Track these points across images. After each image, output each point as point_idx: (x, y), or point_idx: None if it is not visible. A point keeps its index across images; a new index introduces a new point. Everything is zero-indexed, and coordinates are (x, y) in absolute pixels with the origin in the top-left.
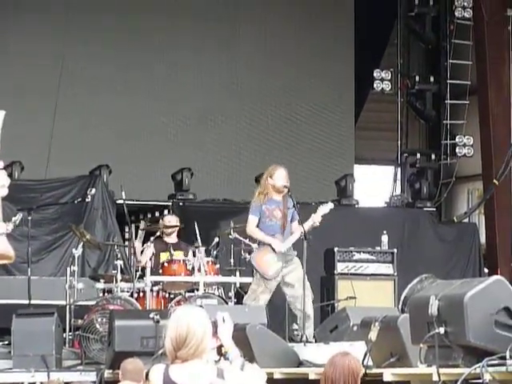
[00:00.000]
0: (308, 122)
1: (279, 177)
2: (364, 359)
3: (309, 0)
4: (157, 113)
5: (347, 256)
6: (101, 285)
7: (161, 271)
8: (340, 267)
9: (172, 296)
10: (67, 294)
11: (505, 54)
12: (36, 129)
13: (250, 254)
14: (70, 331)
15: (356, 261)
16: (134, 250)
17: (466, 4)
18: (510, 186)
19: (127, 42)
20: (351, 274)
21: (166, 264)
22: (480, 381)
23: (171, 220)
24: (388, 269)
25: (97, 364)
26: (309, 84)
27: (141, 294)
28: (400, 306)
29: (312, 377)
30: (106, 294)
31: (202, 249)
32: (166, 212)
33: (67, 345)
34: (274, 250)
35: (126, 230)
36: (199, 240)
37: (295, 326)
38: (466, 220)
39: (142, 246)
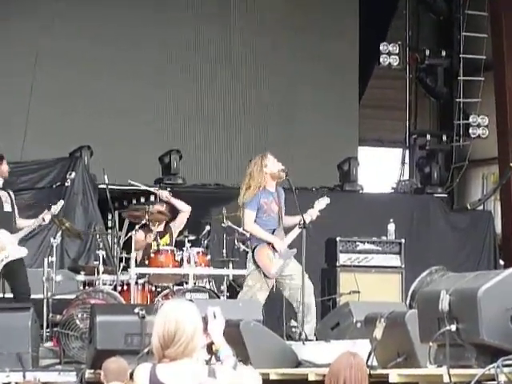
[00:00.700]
0: (307, 100)
1: (273, 162)
2: (368, 359)
3: None
4: (143, 90)
5: (350, 246)
6: (81, 277)
7: (147, 262)
8: (342, 258)
9: (159, 289)
10: (44, 286)
11: None
12: (10, 107)
13: (243, 243)
14: (47, 327)
15: (360, 251)
16: (118, 239)
17: None
18: None
19: (109, 16)
20: (354, 266)
21: (152, 255)
22: (494, 382)
23: (159, 208)
24: (395, 260)
25: (77, 363)
26: (309, 59)
27: (125, 288)
28: (408, 301)
29: (312, 378)
30: (86, 287)
31: (192, 238)
32: (152, 198)
33: (45, 342)
34: (273, 247)
35: (109, 217)
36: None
37: (293, 323)
38: (481, 207)
39: (126, 234)
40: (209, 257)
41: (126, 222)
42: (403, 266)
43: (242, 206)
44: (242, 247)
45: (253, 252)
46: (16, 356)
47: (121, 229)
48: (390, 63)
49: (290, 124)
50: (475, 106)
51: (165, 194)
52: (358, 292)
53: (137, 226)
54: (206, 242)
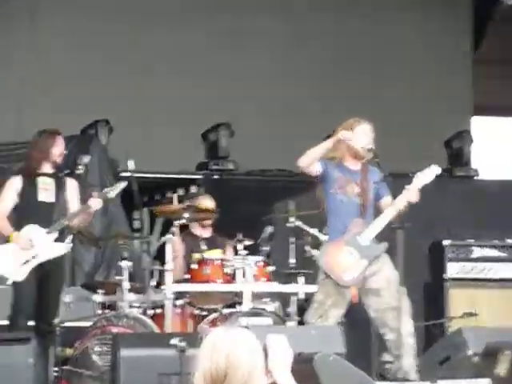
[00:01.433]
0: (402, 56)
1: (361, 134)
2: None
3: None
4: (180, 45)
5: (463, 252)
6: (99, 297)
7: (188, 277)
8: (452, 269)
9: (204, 313)
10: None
11: None
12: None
13: (317, 249)
14: (55, 365)
15: (476, 259)
16: (148, 245)
17: None
18: None
19: None
20: (469, 280)
21: (195, 267)
22: None
23: (207, 203)
24: None
25: None
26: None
27: (158, 311)
28: None
29: None
30: (106, 310)
31: (248, 243)
32: (194, 189)
33: None
34: (351, 241)
35: (136, 216)
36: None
37: (386, 357)
38: None
39: (160, 239)
40: (271, 268)
41: (159, 223)
42: None
43: None
44: (316, 255)
45: (318, 252)
46: None
47: (152, 232)
48: None
49: (377, 87)
50: None
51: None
52: (475, 315)
53: (173, 228)
54: (267, 248)
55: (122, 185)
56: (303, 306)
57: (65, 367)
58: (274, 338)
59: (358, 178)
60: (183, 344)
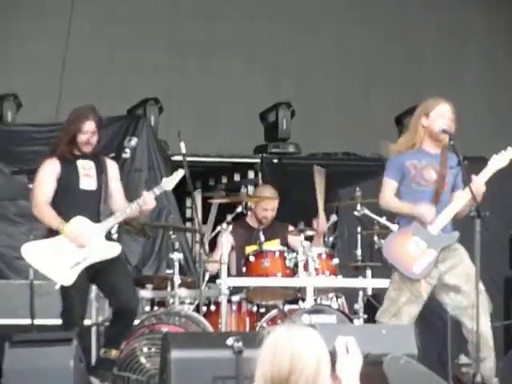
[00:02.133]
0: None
1: (439, 115)
2: None
3: None
4: (235, 17)
5: None
6: (148, 293)
7: (244, 270)
8: None
9: (263, 310)
10: (93, 308)
11: None
12: (42, 48)
13: None
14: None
15: None
16: (202, 236)
17: None
18: None
19: None
20: None
21: (252, 259)
22: None
23: (267, 192)
24: None
25: None
26: None
27: (212, 308)
28: None
29: None
30: (155, 307)
31: (311, 234)
32: (251, 174)
33: None
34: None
35: (188, 203)
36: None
37: (463, 359)
38: None
39: (213, 230)
40: (336, 261)
41: (214, 211)
42: None
43: None
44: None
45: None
46: None
47: (205, 221)
48: None
49: (453, 60)
50: None
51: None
52: None
53: (229, 217)
54: (331, 239)
55: (180, 174)
56: (371, 303)
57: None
58: (343, 339)
59: (437, 164)
60: (240, 344)
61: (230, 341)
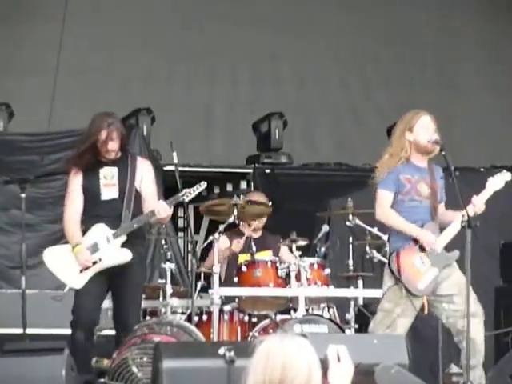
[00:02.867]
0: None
1: (422, 127)
2: None
3: None
4: (225, 28)
5: None
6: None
7: (236, 280)
8: None
9: (254, 320)
10: None
11: None
12: (34, 58)
13: (379, 250)
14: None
15: None
16: (194, 245)
17: None
18: None
19: None
20: None
21: (244, 269)
22: None
23: (256, 197)
24: None
25: None
26: None
27: (204, 318)
28: None
29: None
30: (147, 317)
31: (303, 244)
32: (243, 184)
33: None
34: (422, 248)
35: (180, 213)
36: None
37: (454, 368)
38: None
39: (205, 240)
40: (328, 271)
41: (206, 221)
42: None
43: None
44: (378, 256)
45: (389, 258)
46: None
47: (198, 231)
48: None
49: (448, 73)
50: None
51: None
52: None
53: (221, 227)
54: (323, 249)
55: (203, 186)
56: (362, 313)
57: (101, 380)
58: (335, 348)
59: (428, 177)
60: (232, 354)
61: (221, 350)
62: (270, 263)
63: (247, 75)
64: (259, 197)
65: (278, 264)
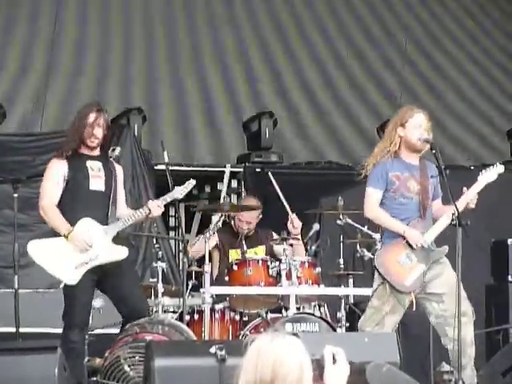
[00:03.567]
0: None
1: (415, 125)
2: None
3: None
4: (216, 28)
5: None
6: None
7: (227, 279)
8: None
9: (245, 319)
10: None
11: None
12: (26, 58)
13: (369, 249)
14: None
15: None
16: (185, 244)
17: None
18: None
19: None
20: None
21: (235, 267)
22: None
23: (251, 202)
24: None
25: None
26: None
27: (196, 317)
28: None
29: None
30: None
31: (294, 242)
32: (234, 183)
33: None
34: (410, 244)
35: (171, 212)
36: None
37: (445, 367)
38: None
39: (197, 236)
40: (318, 270)
41: (197, 220)
42: None
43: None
44: (368, 255)
45: (375, 256)
46: None
47: (189, 230)
48: None
49: (436, 70)
50: None
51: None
52: None
53: (211, 226)
54: (313, 247)
55: (191, 184)
56: (353, 311)
57: (93, 378)
58: (331, 349)
59: (418, 174)
60: (223, 352)
61: (213, 349)
62: (260, 262)
63: (237, 75)
64: (252, 202)
65: (269, 263)
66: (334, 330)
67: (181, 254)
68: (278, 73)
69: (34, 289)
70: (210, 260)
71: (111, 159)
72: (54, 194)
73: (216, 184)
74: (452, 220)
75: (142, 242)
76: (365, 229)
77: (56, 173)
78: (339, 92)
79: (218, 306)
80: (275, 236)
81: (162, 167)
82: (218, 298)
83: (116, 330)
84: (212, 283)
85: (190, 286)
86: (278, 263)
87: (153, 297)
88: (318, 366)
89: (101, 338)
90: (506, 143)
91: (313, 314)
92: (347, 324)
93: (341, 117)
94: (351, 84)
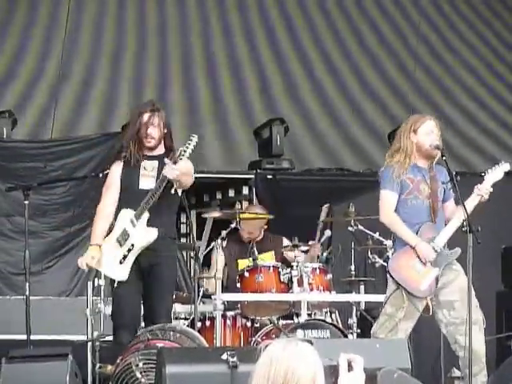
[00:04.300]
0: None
1: (426, 131)
2: None
3: None
4: (223, 32)
5: None
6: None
7: (239, 285)
8: None
9: (257, 325)
10: (89, 323)
11: None
12: (37, 65)
13: (381, 255)
14: (93, 383)
15: None
16: (197, 251)
17: None
18: None
19: None
20: None
21: (246, 274)
22: None
23: (254, 210)
24: None
25: None
26: None
27: (207, 323)
28: None
29: None
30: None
31: (305, 249)
32: (245, 190)
33: None
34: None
35: (182, 219)
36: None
37: (456, 372)
38: None
39: (208, 245)
40: (330, 276)
41: (208, 227)
42: None
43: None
44: (380, 261)
45: (388, 262)
46: None
47: (200, 237)
48: None
49: (440, 72)
50: None
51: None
52: None
53: (224, 233)
54: (325, 254)
55: (195, 139)
56: (364, 318)
57: None
58: (347, 356)
59: (428, 178)
60: (235, 359)
61: (224, 356)
62: (272, 268)
63: (248, 81)
64: (258, 210)
65: (280, 269)
66: (346, 337)
67: (192, 261)
68: (290, 78)
69: (45, 296)
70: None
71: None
72: (107, 199)
73: (227, 191)
74: (463, 226)
75: None
76: (376, 235)
77: (111, 178)
78: (351, 97)
79: (230, 313)
80: (286, 242)
81: None
82: (230, 305)
83: None
84: (223, 290)
85: (201, 293)
86: (289, 270)
87: None
88: (334, 373)
89: (111, 345)
90: None
91: (324, 321)
92: (358, 330)
93: (353, 122)
94: (365, 89)
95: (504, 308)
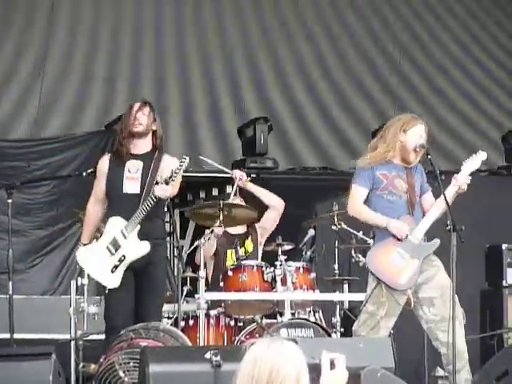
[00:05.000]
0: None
1: (415, 134)
2: None
3: None
4: (211, 30)
5: None
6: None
7: (222, 284)
8: None
9: (241, 324)
10: (72, 322)
11: None
12: (19, 63)
13: (364, 255)
14: (77, 382)
15: None
16: (180, 250)
17: None
18: None
19: None
20: None
21: (230, 273)
22: None
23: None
24: None
25: None
26: None
27: (191, 322)
28: None
29: None
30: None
31: (289, 248)
32: (229, 189)
33: None
34: (398, 239)
35: (166, 218)
36: None
37: (439, 372)
38: None
39: (192, 242)
40: (314, 275)
41: (192, 226)
42: None
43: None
44: (363, 260)
45: (367, 257)
46: None
47: (184, 236)
48: None
49: (426, 73)
50: None
51: (239, 175)
52: None
53: (207, 231)
54: (308, 253)
55: (187, 160)
56: (348, 316)
57: None
58: (329, 355)
59: (404, 174)
60: (218, 358)
61: (208, 355)
62: (255, 267)
63: (231, 80)
64: (237, 200)
65: (263, 268)
66: (329, 336)
67: (175, 260)
68: (285, 77)
69: (29, 295)
70: (205, 266)
71: (163, 155)
72: (96, 193)
73: (211, 190)
74: (447, 225)
75: None
76: (360, 234)
77: (98, 171)
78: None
79: (213, 312)
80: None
81: None
82: (213, 304)
83: None
84: (207, 289)
85: (184, 292)
86: (272, 269)
87: None
88: (316, 371)
89: (95, 344)
90: None
91: (307, 320)
92: (342, 329)
93: (337, 121)
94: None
95: (488, 306)
